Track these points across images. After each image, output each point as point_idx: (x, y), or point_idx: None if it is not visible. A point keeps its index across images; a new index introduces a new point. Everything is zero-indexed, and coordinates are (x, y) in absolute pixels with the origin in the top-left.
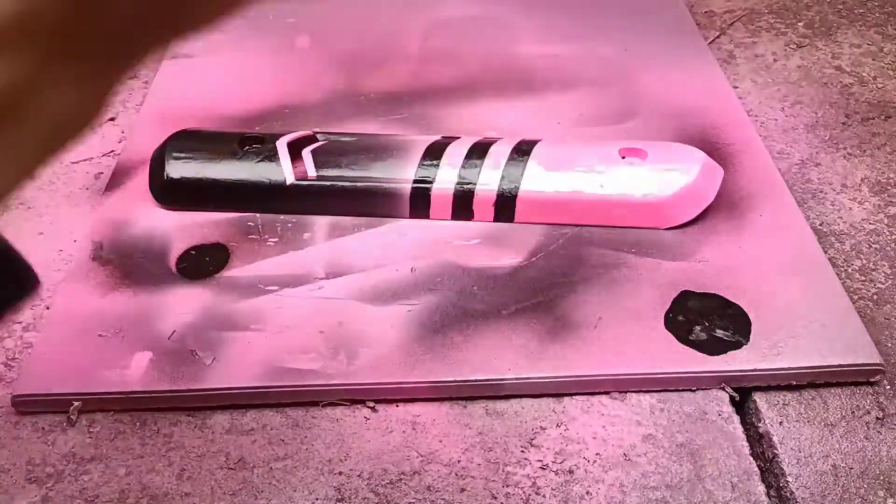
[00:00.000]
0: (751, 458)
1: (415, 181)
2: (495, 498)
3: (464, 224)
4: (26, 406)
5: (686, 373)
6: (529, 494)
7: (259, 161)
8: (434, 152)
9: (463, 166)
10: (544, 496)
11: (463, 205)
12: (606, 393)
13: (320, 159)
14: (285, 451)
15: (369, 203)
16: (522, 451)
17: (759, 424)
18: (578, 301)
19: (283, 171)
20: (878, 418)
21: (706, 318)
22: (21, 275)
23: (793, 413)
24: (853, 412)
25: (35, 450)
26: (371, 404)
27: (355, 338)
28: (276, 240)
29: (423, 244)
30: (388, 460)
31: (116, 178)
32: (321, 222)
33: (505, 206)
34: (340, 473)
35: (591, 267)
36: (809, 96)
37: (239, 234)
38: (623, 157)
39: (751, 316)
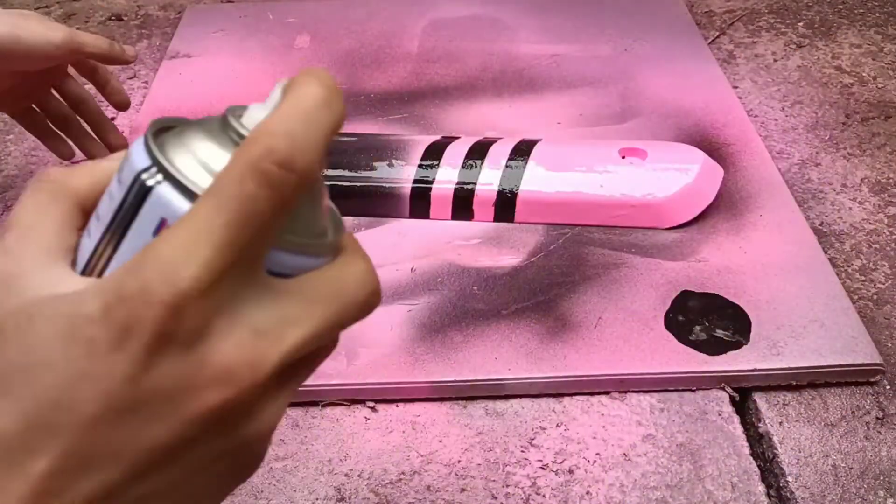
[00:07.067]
0: (751, 458)
1: (415, 181)
2: (495, 498)
3: (464, 224)
4: None
5: (686, 373)
6: (529, 494)
7: None
8: (434, 152)
9: (463, 166)
10: (544, 496)
11: (463, 205)
12: (606, 393)
13: None
14: (285, 451)
15: (369, 203)
16: (522, 451)
17: (759, 424)
18: (578, 301)
19: None
20: (878, 418)
21: (706, 318)
22: None
23: (793, 413)
24: (853, 412)
25: None
26: (371, 404)
27: (355, 338)
28: None
29: (423, 244)
30: (388, 460)
31: None
32: None
33: (505, 206)
34: (340, 473)
35: (591, 267)
36: (809, 96)
37: None
38: (623, 157)
39: (751, 316)
